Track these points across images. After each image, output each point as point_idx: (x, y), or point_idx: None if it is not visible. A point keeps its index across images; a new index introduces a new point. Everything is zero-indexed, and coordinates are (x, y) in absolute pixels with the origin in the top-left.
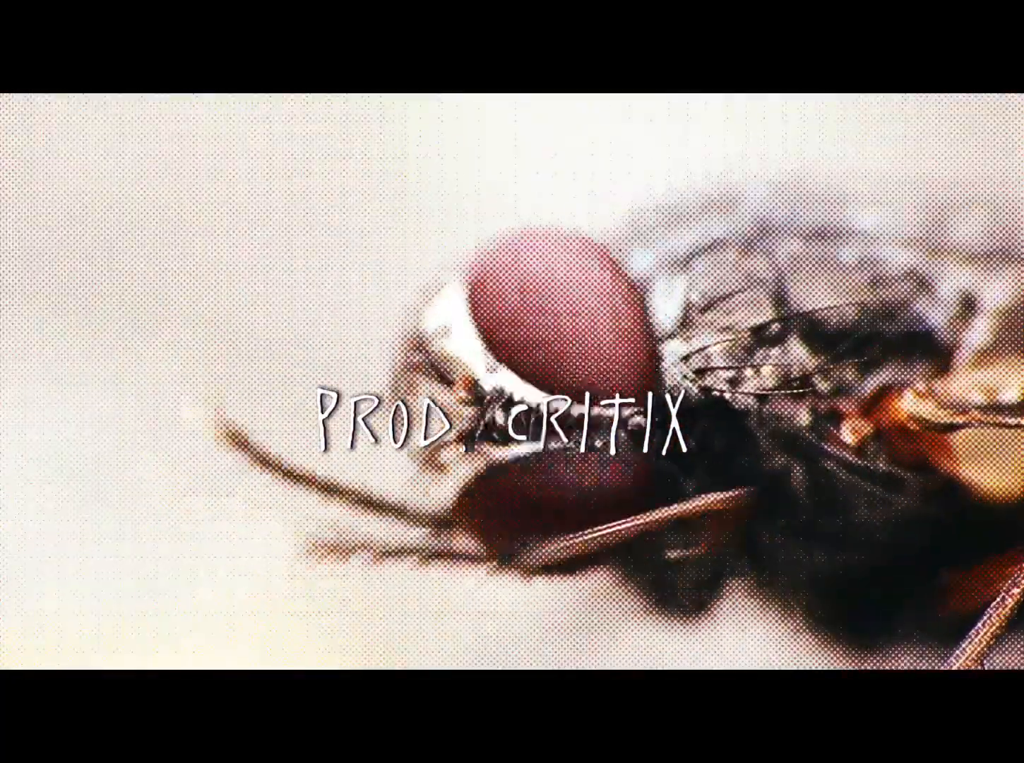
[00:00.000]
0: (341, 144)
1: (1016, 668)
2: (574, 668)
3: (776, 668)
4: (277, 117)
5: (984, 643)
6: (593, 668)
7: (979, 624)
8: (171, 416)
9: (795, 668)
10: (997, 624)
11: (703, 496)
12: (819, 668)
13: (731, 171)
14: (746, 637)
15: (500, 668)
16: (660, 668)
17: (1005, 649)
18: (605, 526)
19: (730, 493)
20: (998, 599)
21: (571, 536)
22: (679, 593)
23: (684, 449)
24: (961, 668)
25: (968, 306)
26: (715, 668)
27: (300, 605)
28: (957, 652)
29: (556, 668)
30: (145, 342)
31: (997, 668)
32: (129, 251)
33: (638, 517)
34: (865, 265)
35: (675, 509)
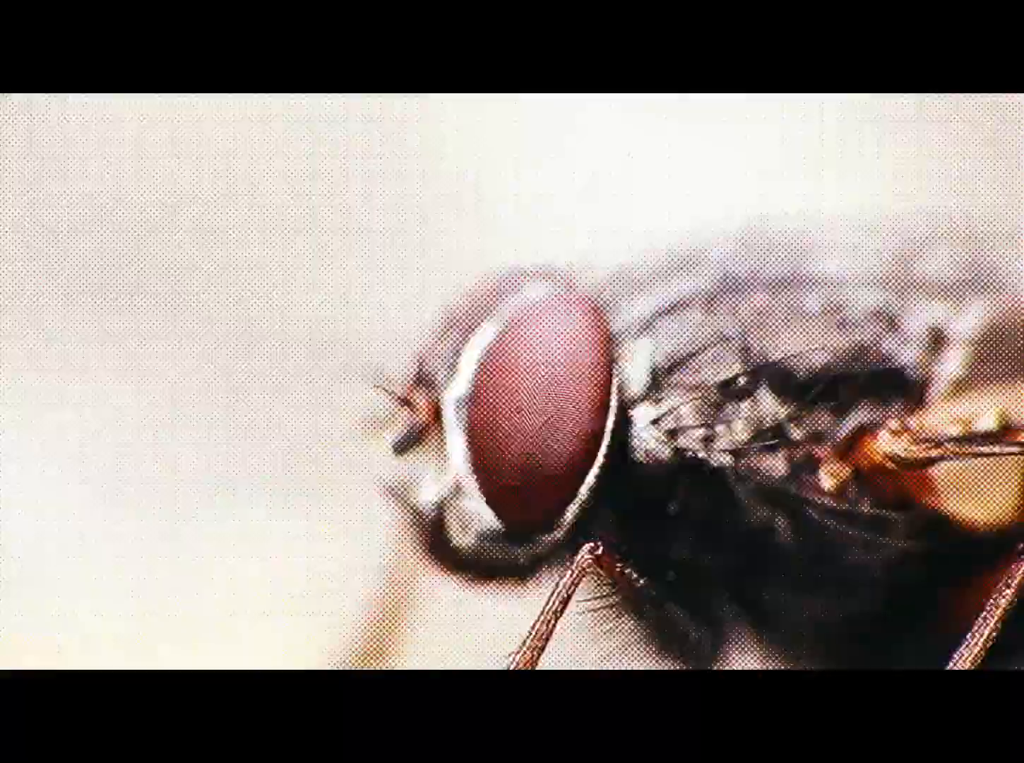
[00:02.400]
0: (346, 144)
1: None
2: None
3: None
4: (284, 117)
5: (979, 648)
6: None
7: (973, 631)
8: (183, 412)
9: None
10: (990, 629)
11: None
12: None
13: (697, 227)
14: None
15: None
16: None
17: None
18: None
19: (579, 556)
20: (989, 604)
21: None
22: (684, 643)
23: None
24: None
25: (937, 340)
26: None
27: (309, 604)
28: (954, 657)
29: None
30: (157, 338)
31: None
32: (143, 248)
33: (527, 641)
34: (831, 310)
35: (549, 607)
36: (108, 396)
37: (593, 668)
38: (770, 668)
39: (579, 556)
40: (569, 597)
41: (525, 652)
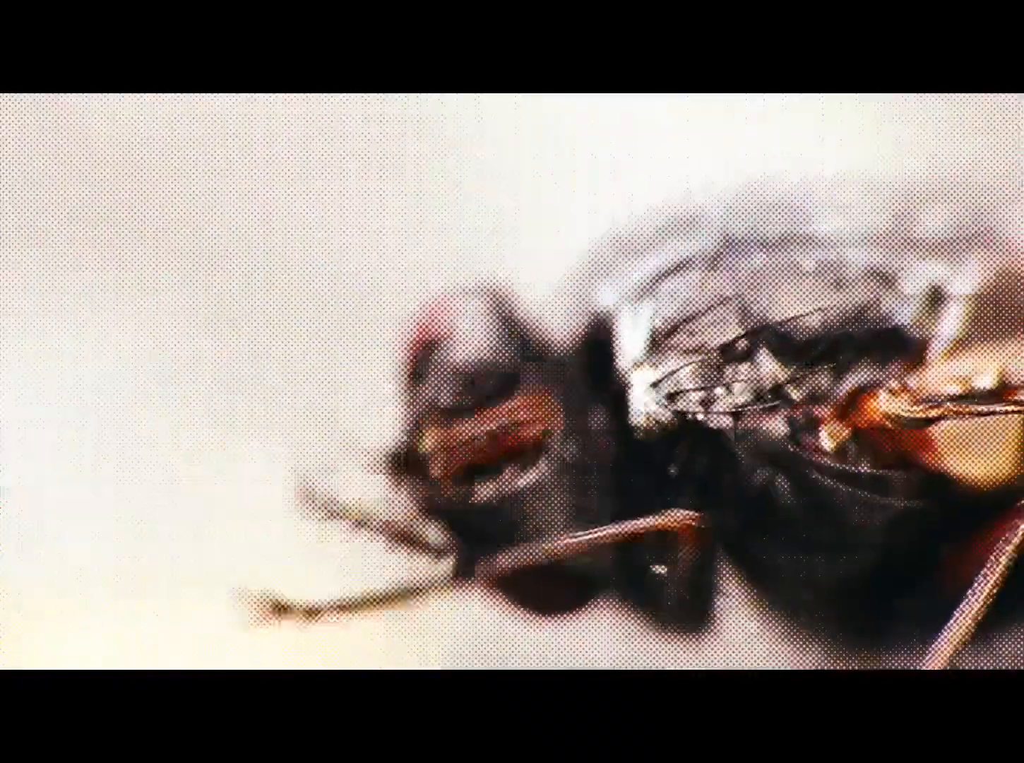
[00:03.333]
0: (350, 144)
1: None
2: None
3: (779, 668)
4: (283, 116)
5: (980, 605)
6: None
7: (974, 587)
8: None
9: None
10: (991, 585)
11: (652, 517)
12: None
13: (695, 184)
14: (749, 641)
15: (499, 668)
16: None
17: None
18: (559, 538)
19: (680, 513)
20: (989, 561)
21: (525, 546)
22: (669, 612)
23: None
24: (940, 660)
25: (936, 298)
26: (718, 668)
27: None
28: (955, 614)
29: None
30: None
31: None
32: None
33: (590, 532)
34: (828, 269)
35: (627, 527)
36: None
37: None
38: (773, 669)
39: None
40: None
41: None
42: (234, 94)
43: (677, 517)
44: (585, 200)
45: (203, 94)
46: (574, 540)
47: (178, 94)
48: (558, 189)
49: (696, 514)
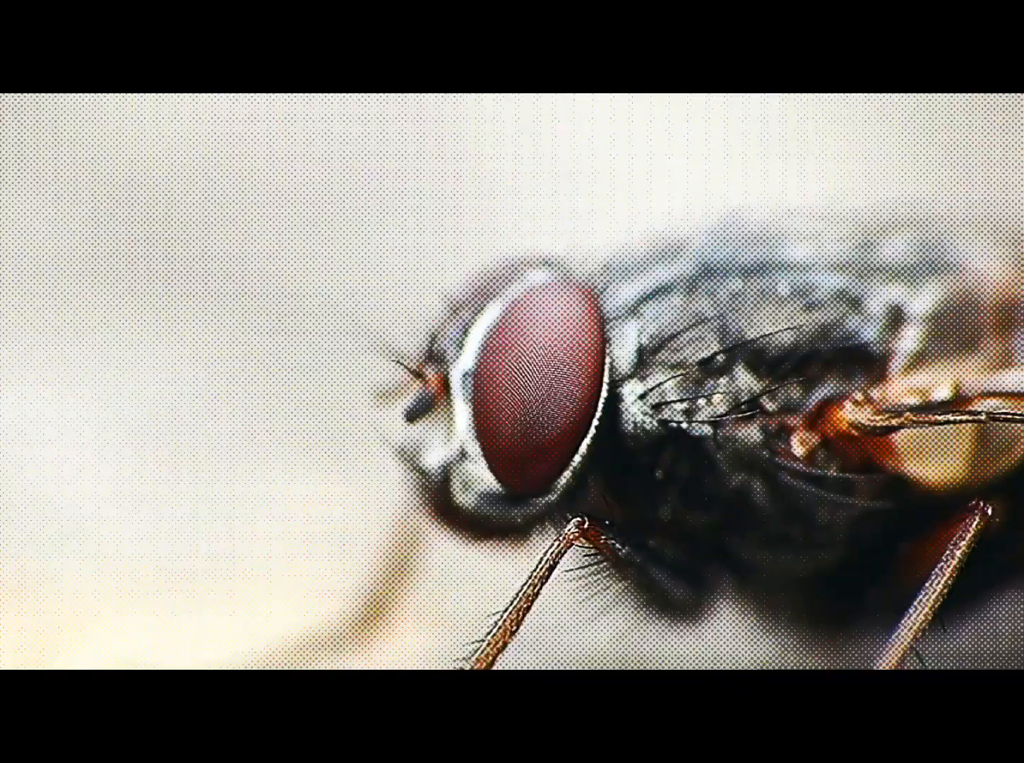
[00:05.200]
0: (353, 144)
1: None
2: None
3: (770, 667)
4: (285, 117)
5: (936, 595)
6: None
7: (930, 580)
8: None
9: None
10: (946, 578)
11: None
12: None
13: (679, 223)
14: (740, 637)
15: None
16: (663, 668)
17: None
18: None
19: (566, 533)
20: (945, 556)
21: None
22: (665, 601)
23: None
24: (892, 661)
25: (896, 318)
26: (712, 668)
27: (329, 551)
28: (913, 604)
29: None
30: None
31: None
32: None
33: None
34: (800, 293)
35: (535, 584)
36: (144, 375)
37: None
38: (751, 626)
39: (567, 529)
40: (555, 564)
41: (511, 612)
42: (235, 94)
43: (564, 539)
44: (581, 222)
45: (203, 94)
46: (508, 617)
47: (177, 93)
48: (555, 220)
49: (576, 519)
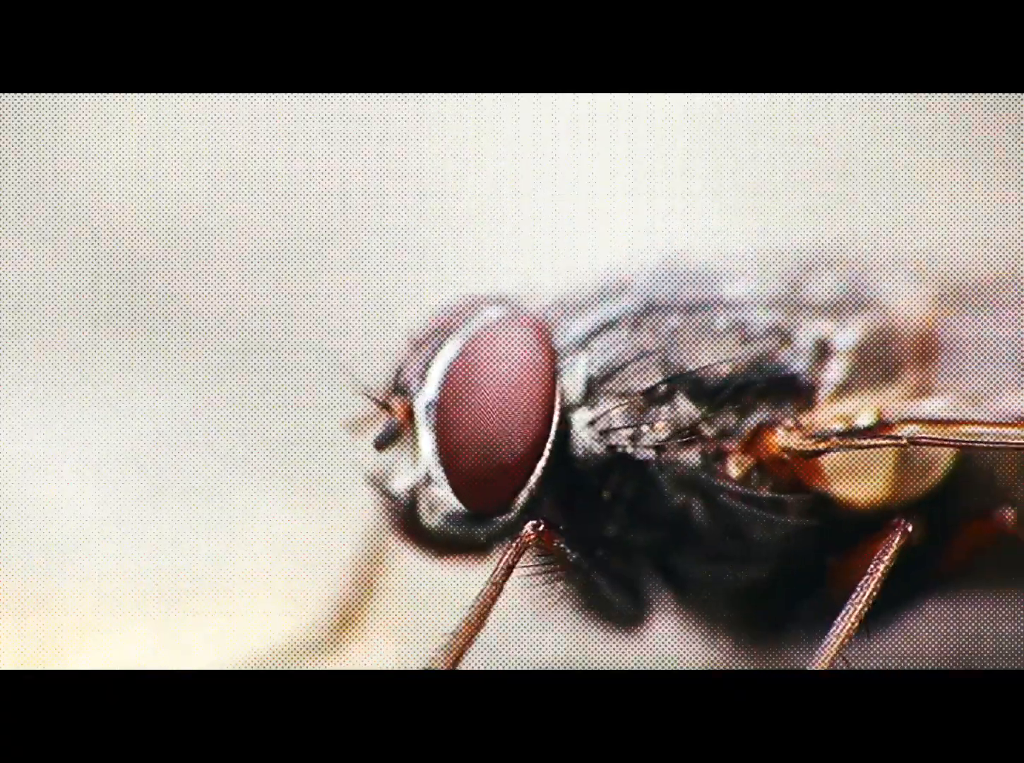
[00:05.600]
0: (350, 144)
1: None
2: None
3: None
4: (287, 117)
5: (862, 606)
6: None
7: (857, 592)
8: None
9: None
10: (871, 590)
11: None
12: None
13: (624, 262)
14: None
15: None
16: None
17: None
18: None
19: (522, 536)
20: (869, 569)
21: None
22: (607, 608)
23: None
24: (826, 657)
25: (823, 351)
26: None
27: (303, 567)
28: (841, 614)
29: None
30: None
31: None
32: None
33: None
34: (735, 328)
35: (495, 587)
36: (126, 399)
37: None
38: (692, 634)
39: (523, 532)
40: (512, 567)
41: (475, 610)
42: (234, 94)
43: (522, 540)
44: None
45: (204, 94)
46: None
47: (176, 93)
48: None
49: (532, 522)
